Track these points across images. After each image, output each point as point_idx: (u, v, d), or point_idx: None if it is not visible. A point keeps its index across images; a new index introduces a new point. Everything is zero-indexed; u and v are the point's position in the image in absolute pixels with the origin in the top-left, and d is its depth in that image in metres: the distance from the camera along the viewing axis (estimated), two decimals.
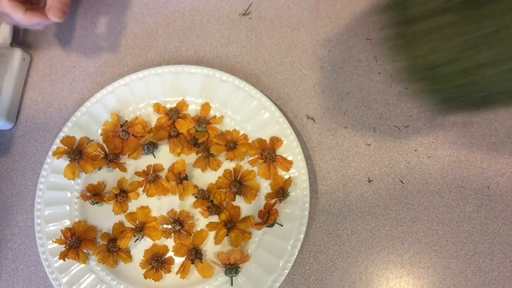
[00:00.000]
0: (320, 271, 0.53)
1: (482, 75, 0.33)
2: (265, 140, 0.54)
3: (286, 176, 0.53)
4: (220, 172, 0.55)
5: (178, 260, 0.53)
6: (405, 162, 0.55)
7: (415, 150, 0.55)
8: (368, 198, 0.54)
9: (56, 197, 0.55)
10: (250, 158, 0.54)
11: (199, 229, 0.53)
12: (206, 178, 0.55)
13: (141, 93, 0.57)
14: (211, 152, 0.54)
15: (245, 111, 0.56)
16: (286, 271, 0.51)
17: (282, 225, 0.52)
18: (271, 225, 0.52)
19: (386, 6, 0.38)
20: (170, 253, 0.53)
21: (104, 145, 0.55)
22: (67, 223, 0.55)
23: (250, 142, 0.55)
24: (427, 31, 0.34)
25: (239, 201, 0.54)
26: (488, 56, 0.32)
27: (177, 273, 0.52)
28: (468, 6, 0.31)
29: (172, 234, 0.53)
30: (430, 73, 0.35)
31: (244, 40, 0.60)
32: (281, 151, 0.54)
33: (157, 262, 0.52)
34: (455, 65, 0.34)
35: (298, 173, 0.53)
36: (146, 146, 0.55)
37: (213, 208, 0.53)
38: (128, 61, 0.61)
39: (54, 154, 0.54)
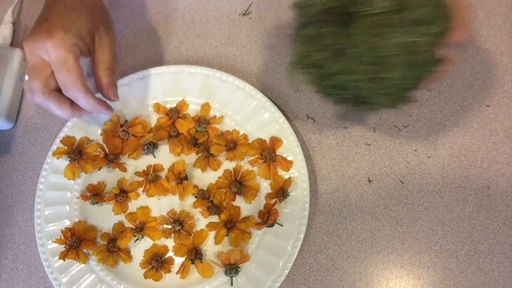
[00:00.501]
0: (320, 271, 0.53)
1: (339, 80, 0.40)
2: (265, 140, 0.54)
3: (286, 176, 0.53)
4: (220, 172, 0.55)
5: (178, 260, 0.53)
6: (405, 162, 0.55)
7: (415, 150, 0.55)
8: (368, 198, 0.54)
9: (56, 197, 0.55)
10: (250, 158, 0.54)
11: (199, 229, 0.53)
12: (206, 178, 0.55)
13: (141, 93, 0.57)
14: (211, 152, 0.54)
15: (245, 111, 0.56)
16: (286, 271, 0.51)
17: (282, 225, 0.52)
18: (271, 225, 0.52)
19: (294, 4, 0.44)
20: (170, 253, 0.53)
21: (104, 145, 0.55)
22: (67, 223, 0.55)
23: (250, 142, 0.55)
24: (312, 36, 0.41)
25: (239, 201, 0.54)
26: (341, 67, 0.40)
27: (177, 273, 0.52)
28: (335, 22, 0.39)
29: (172, 234, 0.53)
30: (311, 71, 0.43)
31: (244, 40, 0.60)
32: (281, 151, 0.54)
33: (157, 262, 0.52)
34: (325, 68, 0.41)
35: (298, 173, 0.53)
36: (146, 146, 0.55)
37: (213, 208, 0.53)
38: (128, 61, 0.61)
39: (54, 154, 0.54)
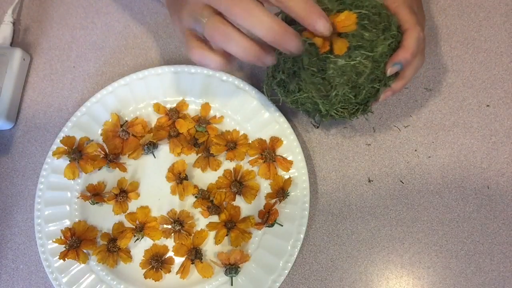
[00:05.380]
0: (320, 271, 0.53)
1: (298, 97, 0.47)
2: (265, 140, 0.54)
3: (286, 176, 0.53)
4: (220, 172, 0.55)
5: (178, 260, 0.53)
6: (405, 162, 0.55)
7: (415, 150, 0.55)
8: (368, 198, 0.54)
9: (56, 197, 0.55)
10: (250, 158, 0.54)
11: (199, 229, 0.53)
12: (206, 178, 0.55)
13: (141, 93, 0.57)
14: (211, 152, 0.54)
15: (245, 111, 0.56)
16: (286, 271, 0.51)
17: (282, 225, 0.52)
18: (271, 225, 0.52)
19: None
20: (170, 253, 0.53)
21: (104, 145, 0.55)
22: (67, 223, 0.55)
23: (250, 142, 0.55)
24: (277, 60, 0.45)
25: (239, 201, 0.54)
26: (297, 87, 0.46)
27: (177, 273, 0.52)
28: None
29: (172, 234, 0.53)
30: (278, 89, 0.49)
31: None
32: (281, 151, 0.54)
33: (157, 262, 0.52)
34: (286, 87, 0.48)
35: (298, 173, 0.53)
36: (146, 146, 0.55)
37: (213, 208, 0.53)
38: (128, 61, 0.61)
39: (54, 154, 0.54)
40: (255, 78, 0.59)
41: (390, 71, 0.45)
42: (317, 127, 0.56)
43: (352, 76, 0.44)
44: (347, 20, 0.42)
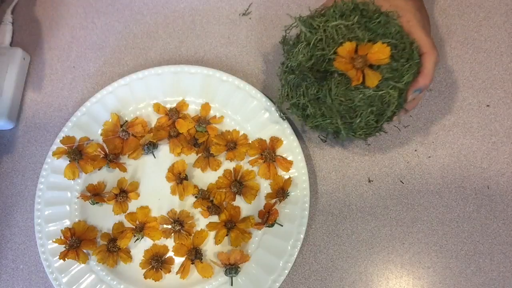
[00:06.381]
0: (320, 271, 0.53)
1: (319, 122, 0.47)
2: (265, 140, 0.54)
3: (286, 176, 0.53)
4: (220, 172, 0.55)
5: (178, 260, 0.53)
6: (405, 162, 0.55)
7: (415, 150, 0.55)
8: (368, 198, 0.54)
9: (56, 197, 0.55)
10: (250, 158, 0.54)
11: (199, 229, 0.53)
12: (206, 178, 0.55)
13: (141, 93, 0.57)
14: (211, 152, 0.54)
15: (245, 111, 0.56)
16: (286, 271, 0.51)
17: (282, 225, 0.52)
18: (271, 225, 0.52)
19: (282, 40, 0.50)
20: (170, 253, 0.53)
21: (104, 145, 0.55)
22: (67, 223, 0.55)
23: (250, 142, 0.55)
24: (297, 84, 0.47)
25: (239, 201, 0.54)
26: (321, 113, 0.46)
27: (177, 273, 0.52)
28: (315, 76, 0.45)
29: (172, 234, 0.53)
30: (295, 111, 0.49)
31: (244, 40, 0.60)
32: (281, 151, 0.54)
33: (157, 262, 0.52)
34: (307, 111, 0.47)
35: (298, 173, 0.53)
36: (146, 146, 0.55)
37: (213, 208, 0.53)
38: (128, 61, 0.61)
39: (54, 154, 0.54)
40: (255, 78, 0.59)
41: (411, 97, 0.46)
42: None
43: (378, 105, 0.44)
44: (380, 53, 0.42)
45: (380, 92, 0.43)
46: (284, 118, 0.54)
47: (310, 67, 0.44)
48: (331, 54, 0.43)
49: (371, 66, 0.42)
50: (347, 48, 0.42)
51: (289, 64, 0.46)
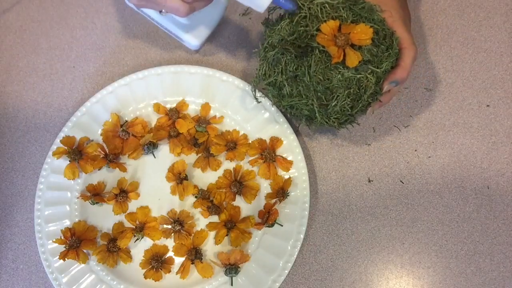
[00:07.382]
0: (320, 271, 0.53)
1: (295, 102, 0.47)
2: (265, 140, 0.54)
3: (286, 176, 0.53)
4: (220, 172, 0.55)
5: (178, 260, 0.53)
6: (405, 162, 0.55)
7: (415, 150, 0.55)
8: (368, 198, 0.54)
9: (56, 197, 0.55)
10: (250, 158, 0.54)
11: (199, 229, 0.53)
12: (206, 178, 0.55)
13: (141, 93, 0.57)
14: (211, 152, 0.54)
15: (245, 111, 0.56)
16: (286, 271, 0.51)
17: (282, 225, 0.52)
18: (271, 225, 0.52)
19: (265, 21, 0.49)
20: (170, 253, 0.53)
21: (104, 145, 0.55)
22: (67, 223, 0.55)
23: (250, 142, 0.55)
24: (276, 60, 0.46)
25: (239, 201, 0.54)
26: (298, 91, 0.46)
27: (177, 273, 0.52)
28: (296, 52, 0.44)
29: (172, 234, 0.53)
30: (272, 90, 0.48)
31: (244, 40, 0.60)
32: (281, 151, 0.54)
33: (157, 262, 0.52)
34: (283, 90, 0.47)
35: (298, 173, 0.53)
36: (146, 146, 0.55)
37: (213, 208, 0.53)
38: (128, 61, 0.61)
39: (54, 154, 0.54)
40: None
41: (386, 88, 0.46)
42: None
43: (355, 89, 0.44)
44: (363, 33, 0.42)
45: (359, 76, 0.44)
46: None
47: (292, 42, 0.44)
48: (314, 30, 0.43)
49: (352, 47, 0.43)
50: (330, 25, 0.43)
51: (270, 41, 0.46)
